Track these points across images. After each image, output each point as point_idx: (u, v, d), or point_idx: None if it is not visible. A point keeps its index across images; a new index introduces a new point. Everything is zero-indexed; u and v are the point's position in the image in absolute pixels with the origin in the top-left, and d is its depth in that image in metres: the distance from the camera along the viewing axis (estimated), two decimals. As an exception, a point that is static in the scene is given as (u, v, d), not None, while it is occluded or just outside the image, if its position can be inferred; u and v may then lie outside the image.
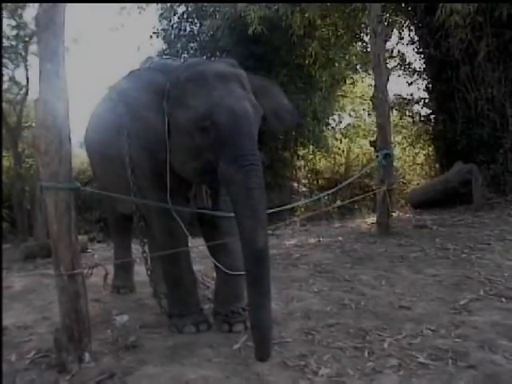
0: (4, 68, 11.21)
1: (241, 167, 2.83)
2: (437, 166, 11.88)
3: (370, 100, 13.54)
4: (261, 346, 2.84)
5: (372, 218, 9.01)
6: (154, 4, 13.86)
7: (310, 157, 15.43)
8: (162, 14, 13.81)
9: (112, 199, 4.54)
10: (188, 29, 13.75)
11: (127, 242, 5.25)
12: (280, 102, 3.67)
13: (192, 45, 13.57)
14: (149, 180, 3.60)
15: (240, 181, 2.82)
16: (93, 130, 4.66)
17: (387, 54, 10.83)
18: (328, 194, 13.37)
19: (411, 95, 12.35)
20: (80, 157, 13.69)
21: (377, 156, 7.42)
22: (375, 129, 8.23)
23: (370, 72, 12.09)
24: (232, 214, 3.05)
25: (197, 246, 3.73)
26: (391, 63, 12.43)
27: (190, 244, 3.79)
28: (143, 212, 3.78)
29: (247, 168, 2.84)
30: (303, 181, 15.65)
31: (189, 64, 3.41)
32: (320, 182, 15.47)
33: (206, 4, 12.90)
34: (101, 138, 4.23)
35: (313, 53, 11.38)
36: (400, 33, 12.29)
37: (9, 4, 10.53)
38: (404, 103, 12.61)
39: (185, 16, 13.67)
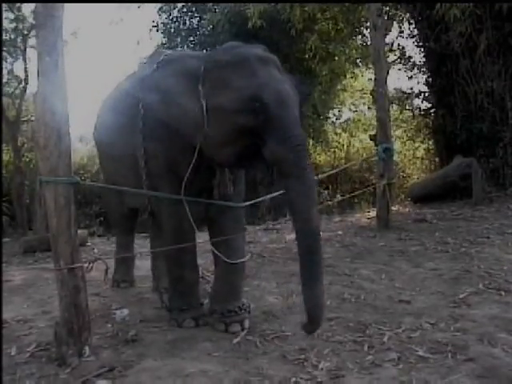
0: (3, 61, 11.17)
1: (292, 147, 2.89)
2: (436, 160, 11.88)
3: (370, 94, 13.51)
4: (313, 321, 2.87)
5: (372, 213, 9.01)
6: (153, -1, 13.81)
7: (310, 151, 15.41)
8: (161, 8, 13.77)
9: (120, 193, 4.44)
10: (188, 23, 13.72)
11: (131, 237, 5.18)
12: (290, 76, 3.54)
13: (192, 39, 13.53)
14: (163, 172, 3.55)
15: (292, 160, 2.87)
16: (104, 122, 4.54)
17: (387, 48, 10.81)
18: (328, 188, 13.41)
19: (411, 89, 12.34)
20: (80, 151, 13.68)
21: (377, 150, 7.42)
22: (375, 123, 8.21)
23: (370, 66, 12.08)
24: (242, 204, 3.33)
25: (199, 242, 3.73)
26: (391, 57, 12.40)
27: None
28: (153, 205, 3.76)
29: (299, 148, 2.91)
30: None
31: (226, 47, 3.36)
32: (319, 176, 15.44)
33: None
34: (113, 130, 4.13)
35: (312, 47, 11.35)
36: (400, 26, 12.27)
37: (8, -1, 10.50)
38: (404, 97, 12.61)
39: (184, 10, 13.64)
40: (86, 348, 3.06)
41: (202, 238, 4.00)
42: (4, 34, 10.78)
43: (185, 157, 3.36)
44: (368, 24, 9.10)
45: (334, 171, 7.11)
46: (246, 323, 3.58)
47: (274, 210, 11.01)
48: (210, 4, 12.74)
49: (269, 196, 3.87)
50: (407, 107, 12.92)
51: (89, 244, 8.36)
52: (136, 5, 13.85)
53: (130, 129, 3.67)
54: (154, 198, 3.70)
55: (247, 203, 3.91)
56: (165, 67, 3.48)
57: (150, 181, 3.62)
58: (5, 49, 11.06)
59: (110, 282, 4.84)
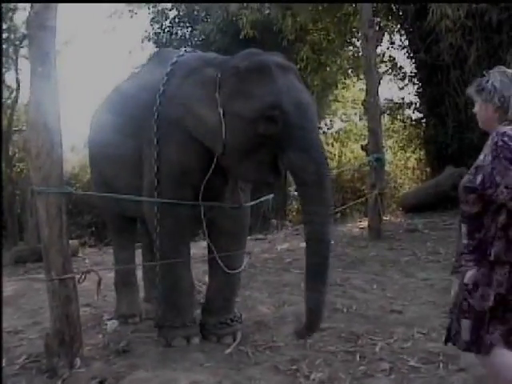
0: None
1: (313, 158, 2.90)
2: (428, 169, 11.90)
3: (362, 104, 13.56)
4: (310, 327, 2.93)
5: (363, 222, 9.01)
6: (146, 8, 13.83)
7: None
8: (153, 18, 13.80)
9: (117, 203, 4.03)
10: (180, 33, 13.76)
11: (131, 251, 4.41)
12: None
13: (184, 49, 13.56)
14: (176, 178, 3.37)
15: (313, 171, 2.88)
16: (101, 128, 4.16)
17: (378, 59, 10.86)
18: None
19: (402, 99, 12.39)
20: (71, 161, 13.63)
21: (369, 161, 7.44)
22: (367, 133, 8.25)
23: (362, 76, 12.12)
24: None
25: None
26: (382, 68, 12.46)
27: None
28: (152, 214, 3.46)
29: (320, 159, 2.93)
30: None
31: (245, 54, 3.31)
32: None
33: (197, 8, 12.90)
34: (114, 136, 3.84)
35: (304, 57, 11.40)
36: (391, 37, 12.34)
37: (-1, 7, 10.50)
38: (395, 107, 12.65)
39: (176, 20, 13.68)
40: (77, 359, 3.04)
41: (194, 247, 3.98)
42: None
43: (199, 164, 3.30)
44: (359, 35, 9.14)
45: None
46: (239, 335, 3.55)
47: (262, 218, 10.98)
48: (202, 14, 12.78)
49: (253, 202, 3.81)
50: (398, 117, 12.97)
51: (80, 255, 8.31)
52: (128, 14, 13.87)
53: (136, 131, 3.53)
54: (155, 205, 3.44)
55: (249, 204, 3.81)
56: (180, 70, 3.41)
57: (159, 186, 3.40)
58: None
59: (116, 316, 4.19)
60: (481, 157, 2.16)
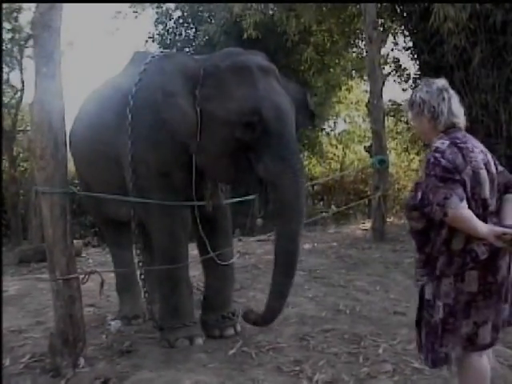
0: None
1: (289, 166, 2.90)
2: (431, 171, 11.89)
3: (365, 106, 13.56)
4: (268, 314, 3.09)
5: (367, 224, 9.02)
6: (150, 9, 13.87)
7: (305, 162, 15.43)
8: (157, 19, 13.81)
9: (103, 206, 4.02)
10: (183, 34, 13.77)
11: (127, 252, 4.33)
12: (301, 99, 3.44)
13: (187, 50, 13.58)
14: (154, 180, 3.33)
15: (289, 180, 2.89)
16: (83, 128, 4.02)
17: (382, 60, 10.85)
18: (323, 200, 13.41)
19: (406, 101, 12.39)
20: (75, 161, 13.59)
21: (372, 163, 7.44)
22: (370, 135, 8.26)
23: (365, 78, 12.12)
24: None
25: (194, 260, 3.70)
26: (386, 69, 12.46)
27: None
28: (142, 217, 3.47)
29: (296, 168, 2.93)
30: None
31: (226, 53, 3.27)
32: (315, 187, 15.47)
33: (201, 9, 12.91)
34: (93, 137, 3.77)
35: (308, 58, 11.40)
36: (395, 39, 12.33)
37: (4, 7, 10.52)
38: (399, 109, 12.64)
39: (180, 21, 13.69)
40: (81, 359, 3.04)
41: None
42: (0, 44, 10.80)
43: (177, 162, 3.27)
44: (363, 36, 9.15)
45: (327, 179, 7.12)
46: (238, 327, 3.65)
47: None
48: (206, 15, 12.79)
49: (229, 201, 3.81)
50: (402, 119, 12.95)
51: (84, 255, 8.32)
52: (132, 15, 13.92)
53: (115, 133, 3.46)
54: (142, 207, 3.42)
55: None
56: (157, 66, 3.34)
57: (138, 189, 3.35)
58: (1, 59, 11.07)
59: (119, 317, 4.15)
60: (420, 173, 2.20)
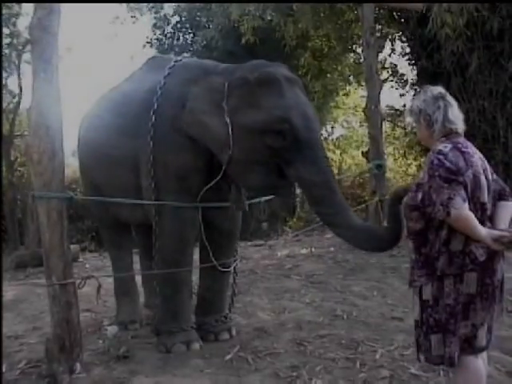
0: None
1: (321, 169, 3.01)
2: (429, 177, 11.90)
3: (363, 111, 13.57)
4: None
5: (364, 229, 9.00)
6: (148, 14, 13.87)
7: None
8: (155, 24, 13.81)
9: (112, 209, 4.02)
10: (181, 39, 13.76)
11: (128, 257, 4.35)
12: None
13: (185, 55, 13.59)
14: (171, 182, 3.39)
15: (322, 182, 2.98)
16: (93, 135, 4.03)
17: (380, 66, 10.88)
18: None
19: (403, 106, 12.38)
20: (73, 166, 13.64)
21: (370, 168, 7.44)
22: (367, 140, 8.25)
23: (363, 83, 12.12)
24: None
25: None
26: (384, 75, 12.47)
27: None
28: (153, 218, 3.47)
29: (327, 170, 3.06)
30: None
31: (253, 65, 3.32)
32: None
33: (199, 14, 12.93)
34: (110, 140, 3.76)
35: (306, 63, 11.44)
36: (392, 44, 12.34)
37: (3, 12, 10.52)
38: (396, 114, 12.66)
39: (178, 26, 13.69)
40: (78, 365, 3.04)
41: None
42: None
43: (195, 167, 3.36)
44: (361, 42, 9.16)
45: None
46: (233, 331, 3.69)
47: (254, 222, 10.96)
48: (204, 20, 12.80)
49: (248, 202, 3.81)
50: (399, 124, 12.97)
51: (80, 260, 8.31)
52: (130, 20, 13.93)
53: (134, 133, 3.51)
54: (156, 209, 3.44)
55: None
56: (180, 74, 3.46)
57: (156, 191, 3.41)
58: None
59: (116, 323, 4.16)
60: (421, 174, 2.27)
